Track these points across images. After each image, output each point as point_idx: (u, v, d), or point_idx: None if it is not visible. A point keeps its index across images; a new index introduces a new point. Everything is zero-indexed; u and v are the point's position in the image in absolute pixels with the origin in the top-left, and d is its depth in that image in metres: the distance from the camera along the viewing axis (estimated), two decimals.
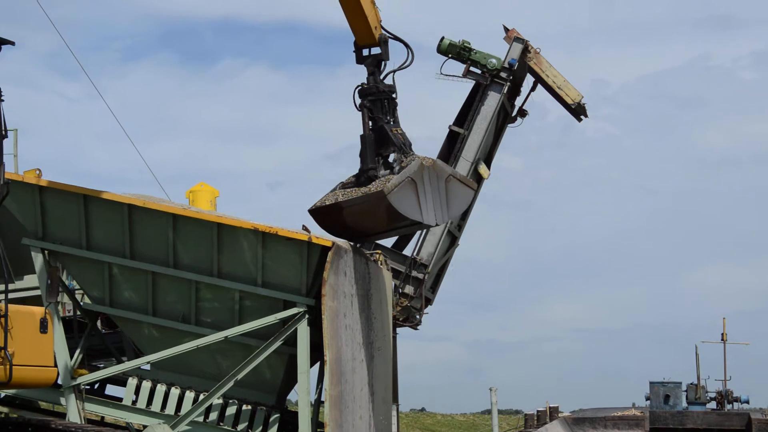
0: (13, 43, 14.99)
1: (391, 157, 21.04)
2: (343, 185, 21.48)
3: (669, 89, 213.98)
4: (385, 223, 21.06)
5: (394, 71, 21.33)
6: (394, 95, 21.30)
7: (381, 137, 21.16)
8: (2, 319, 13.22)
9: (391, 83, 21.29)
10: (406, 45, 21.37)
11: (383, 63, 21.30)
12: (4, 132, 14.71)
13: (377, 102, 21.06)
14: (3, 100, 14.57)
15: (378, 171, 20.83)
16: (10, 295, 15.02)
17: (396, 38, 21.46)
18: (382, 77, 21.28)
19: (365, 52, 21.34)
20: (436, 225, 21.91)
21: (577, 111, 27.32)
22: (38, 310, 14.09)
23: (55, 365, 15.00)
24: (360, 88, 21.16)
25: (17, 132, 24.89)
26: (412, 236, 25.55)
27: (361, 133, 21.29)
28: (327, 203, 20.95)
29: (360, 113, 21.29)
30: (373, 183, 20.70)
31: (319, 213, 21.03)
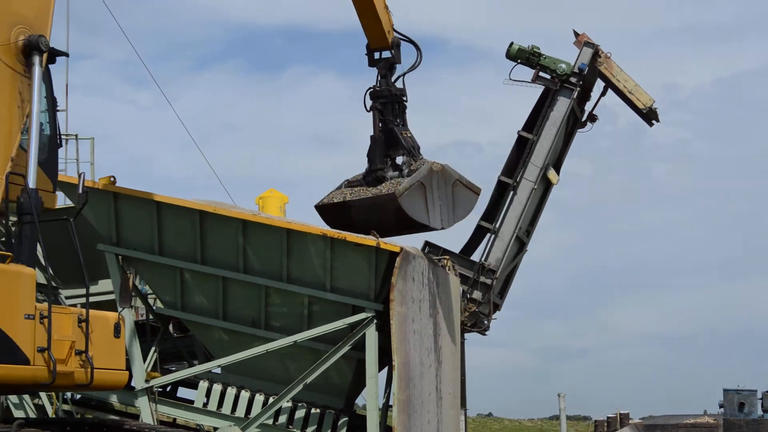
0: (67, 55, 15.33)
1: (400, 160, 21.63)
2: (349, 183, 22.08)
3: (746, 93, 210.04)
4: (393, 224, 21.28)
5: (404, 73, 21.89)
6: (404, 98, 21.78)
7: (391, 139, 21.66)
8: (83, 324, 13.60)
9: (402, 87, 21.79)
10: (417, 47, 21.88)
11: (395, 66, 21.79)
12: (60, 141, 15.08)
13: (388, 105, 21.57)
14: (59, 110, 14.94)
15: (386, 172, 21.45)
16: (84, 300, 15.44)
17: (407, 39, 21.97)
18: (393, 80, 21.83)
19: (377, 55, 21.84)
20: (442, 228, 22.22)
21: (649, 115, 27.10)
22: (112, 315, 14.45)
23: (127, 368, 15.29)
24: (371, 90, 21.69)
25: (93, 140, 25.30)
26: (480, 242, 25.56)
27: (371, 134, 21.81)
28: (335, 201, 21.50)
29: (371, 114, 21.89)
30: (384, 184, 21.33)
31: (326, 210, 21.60)
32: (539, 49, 26.36)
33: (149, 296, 23.10)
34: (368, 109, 21.92)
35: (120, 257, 21.21)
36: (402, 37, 21.96)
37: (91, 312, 14.02)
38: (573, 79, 26.13)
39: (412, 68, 21.94)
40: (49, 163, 14.56)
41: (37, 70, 13.78)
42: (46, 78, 14.83)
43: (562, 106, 25.97)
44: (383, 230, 20.91)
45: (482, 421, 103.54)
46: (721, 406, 41.24)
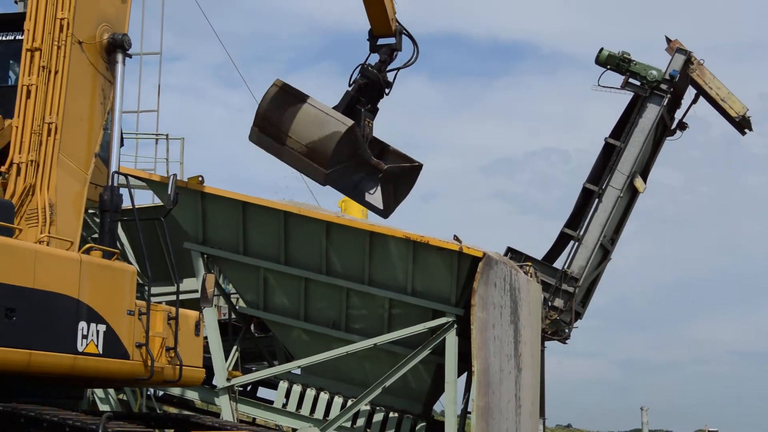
0: (130, 56, 15.82)
1: None
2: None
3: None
4: (306, 142, 20.84)
5: (399, 68, 22.15)
6: (387, 90, 22.09)
7: (352, 117, 21.56)
8: (173, 321, 14.14)
9: (390, 80, 22.08)
10: (414, 41, 22.14)
11: (395, 53, 22.07)
12: (122, 141, 15.59)
13: (369, 86, 21.79)
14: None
15: None
16: (171, 297, 15.91)
17: (407, 34, 22.24)
18: (388, 70, 22.06)
19: (380, 42, 22.09)
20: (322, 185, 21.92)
21: (741, 124, 27.00)
22: (193, 314, 14.98)
23: (203, 366, 15.63)
24: (361, 66, 21.92)
25: (183, 140, 25.77)
26: (563, 249, 25.70)
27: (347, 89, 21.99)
28: (298, 89, 21.42)
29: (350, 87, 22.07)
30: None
31: (282, 88, 21.32)
32: (630, 55, 26.42)
33: (232, 295, 23.51)
34: (350, 82, 22.12)
35: (205, 256, 21.70)
36: (404, 31, 22.19)
37: (183, 311, 14.65)
38: (663, 86, 26.14)
39: (407, 64, 22.21)
40: (110, 161, 15.06)
41: (119, 68, 14.31)
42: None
43: (651, 113, 26.03)
44: (292, 143, 21.11)
45: (561, 431, 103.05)
46: None
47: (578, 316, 25.79)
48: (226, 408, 21.26)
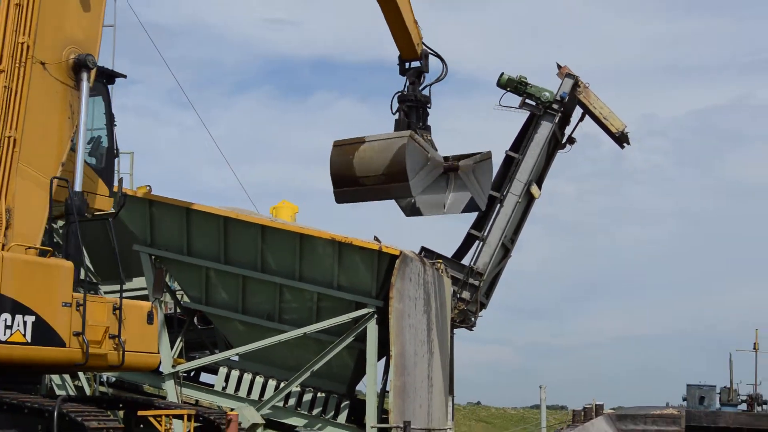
0: (125, 76, 15.52)
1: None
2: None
3: (713, 124, 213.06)
4: (382, 169, 20.30)
5: (431, 84, 21.79)
6: (428, 105, 21.70)
7: None
8: (117, 312, 13.81)
9: (427, 95, 21.70)
10: (443, 60, 21.89)
11: (423, 75, 21.77)
12: (116, 152, 15.37)
13: (413, 108, 21.45)
14: (116, 125, 15.21)
15: None
16: (127, 294, 15.63)
17: (434, 54, 21.93)
18: (421, 88, 21.70)
19: (407, 65, 21.81)
20: (413, 197, 21.50)
21: (621, 139, 27.20)
22: (146, 304, 14.61)
23: (159, 352, 15.34)
24: (399, 94, 21.61)
25: (133, 154, 25.48)
26: (469, 248, 25.74)
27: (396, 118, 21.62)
28: (352, 138, 20.98)
29: (396, 117, 21.66)
30: None
31: (340, 145, 20.96)
32: (526, 78, 26.46)
33: (177, 292, 23.30)
34: (394, 111, 21.78)
35: (153, 257, 21.49)
36: (430, 51, 21.94)
37: (126, 301, 14.22)
38: (555, 106, 26.25)
39: (438, 80, 21.93)
40: (106, 171, 14.88)
41: (84, 85, 14.01)
42: (105, 96, 15.12)
43: (544, 129, 26.11)
44: (371, 174, 20.47)
45: (471, 408, 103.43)
46: (684, 399, 41.58)
47: (483, 306, 25.84)
48: (171, 391, 21.16)
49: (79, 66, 13.96)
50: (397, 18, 20.73)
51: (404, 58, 21.77)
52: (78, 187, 13.94)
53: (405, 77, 21.98)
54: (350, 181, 20.82)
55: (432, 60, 22.23)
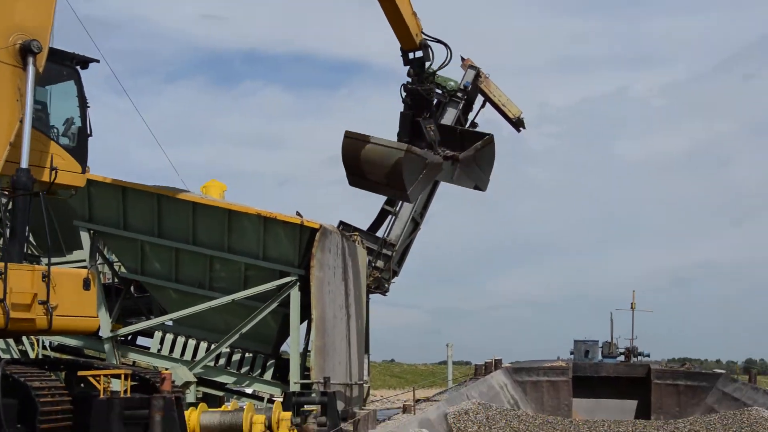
0: (98, 61, 14.83)
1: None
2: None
3: (599, 112, 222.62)
4: (383, 175, 19.84)
5: (436, 70, 20.63)
6: (431, 94, 20.66)
7: (415, 131, 20.73)
8: (47, 279, 13.17)
9: (431, 85, 20.61)
10: (447, 46, 20.64)
11: (425, 64, 20.53)
12: (90, 132, 14.74)
13: (416, 99, 20.46)
14: (89, 107, 14.62)
15: None
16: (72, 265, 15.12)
17: (437, 41, 20.65)
18: (425, 76, 20.62)
19: (411, 56, 20.57)
20: (411, 203, 21.28)
21: (517, 123, 27.31)
22: (81, 272, 13.87)
23: (98, 316, 14.79)
24: (404, 85, 20.57)
25: None
26: (383, 222, 25.65)
27: (401, 111, 20.86)
28: (361, 133, 20.15)
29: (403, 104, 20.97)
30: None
31: (350, 137, 20.24)
32: (434, 69, 26.43)
33: (115, 263, 22.95)
34: (403, 99, 20.93)
35: (92, 231, 21.11)
36: (432, 39, 20.64)
37: (61, 269, 13.56)
38: (459, 94, 26.20)
39: (442, 66, 20.79)
40: (78, 149, 14.14)
41: (30, 69, 13.47)
42: (77, 80, 14.46)
43: (450, 115, 26.01)
44: (373, 177, 20.02)
45: (386, 365, 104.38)
46: (571, 353, 42.07)
47: (395, 274, 25.88)
48: (110, 354, 20.88)
49: (25, 51, 13.40)
50: (394, 10, 19.54)
51: (404, 48, 20.55)
52: (24, 165, 13.39)
53: (409, 67, 20.90)
54: (359, 172, 20.30)
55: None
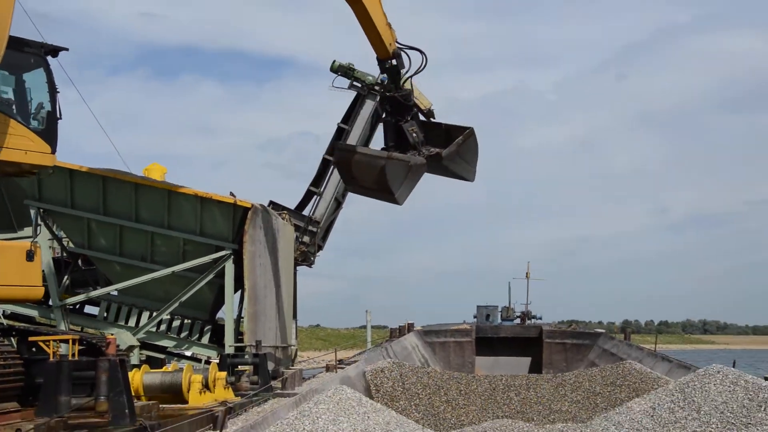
0: (67, 49, 14.27)
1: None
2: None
3: (499, 105, 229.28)
4: (373, 181, 19.05)
5: (411, 76, 19.34)
6: (409, 99, 19.54)
7: (399, 135, 19.75)
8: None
9: (409, 88, 19.44)
10: (422, 53, 19.22)
11: (400, 71, 19.19)
12: (59, 116, 14.26)
13: (394, 105, 19.46)
14: (58, 92, 14.11)
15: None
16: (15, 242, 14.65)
17: (413, 48, 19.22)
18: (403, 82, 19.36)
19: (387, 64, 19.22)
20: (400, 205, 19.89)
21: (427, 115, 27.24)
22: (24, 244, 13.23)
23: (43, 285, 14.24)
24: (383, 93, 19.53)
25: None
26: (309, 202, 25.53)
27: (383, 118, 20.01)
28: (349, 144, 19.75)
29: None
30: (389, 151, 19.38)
31: (340, 149, 19.77)
32: (353, 65, 26.26)
33: (63, 239, 22.51)
34: (383, 108, 19.81)
35: (41, 210, 20.70)
36: (407, 47, 19.06)
37: (4, 242, 13.05)
38: (376, 88, 26.07)
39: (418, 71, 19.18)
40: (48, 132, 13.57)
41: None
42: (46, 68, 13.81)
43: (368, 106, 25.94)
44: (364, 184, 19.39)
45: (312, 330, 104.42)
46: (474, 317, 42.53)
47: (320, 248, 25.83)
48: (60, 321, 20.49)
49: None
50: (367, 21, 18.21)
51: (379, 57, 19.09)
52: None
53: (384, 74, 19.79)
54: (353, 180, 19.64)
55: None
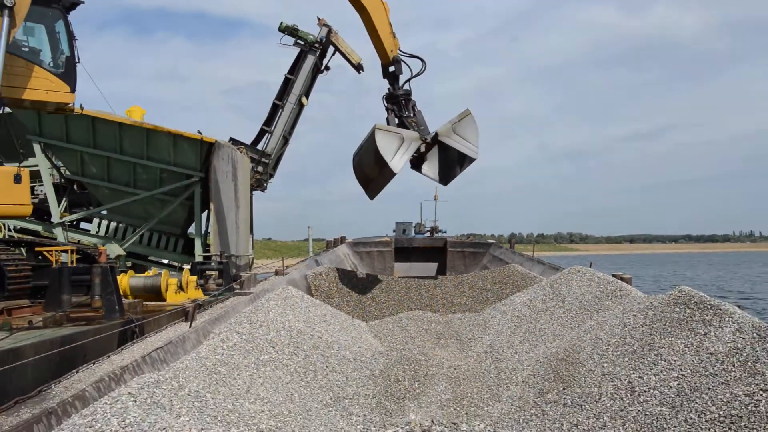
0: (83, 2, 13.69)
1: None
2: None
3: (411, 61, 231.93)
4: (374, 163, 16.63)
5: (409, 79, 17.81)
6: (409, 96, 17.87)
7: (405, 125, 17.90)
8: None
9: (408, 89, 17.84)
10: (422, 60, 17.88)
11: (398, 76, 17.74)
12: (78, 60, 13.74)
13: (395, 104, 17.88)
14: (76, 40, 13.59)
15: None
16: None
17: (413, 56, 17.90)
18: (401, 84, 17.77)
19: (390, 69, 17.81)
20: (396, 173, 16.65)
21: (358, 68, 27.24)
22: (12, 168, 12.53)
23: (45, 205, 13.66)
24: (385, 94, 17.87)
25: None
26: (262, 138, 25.36)
27: (386, 118, 17.86)
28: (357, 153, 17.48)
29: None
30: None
31: (354, 167, 17.67)
32: (297, 26, 26.01)
33: (61, 168, 22.14)
34: (386, 108, 17.89)
35: (42, 144, 20.32)
36: (408, 55, 17.70)
37: None
38: (316, 45, 25.95)
39: (417, 75, 17.74)
40: (67, 74, 13.09)
41: (5, 21, 12.39)
42: (65, 19, 13.29)
43: (309, 61, 25.79)
44: (373, 174, 17.00)
45: (265, 242, 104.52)
46: (393, 231, 43.01)
47: (271, 176, 25.73)
48: (60, 235, 20.36)
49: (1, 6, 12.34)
50: (371, 28, 17.24)
51: (382, 63, 17.78)
52: None
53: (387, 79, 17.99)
54: (368, 181, 17.50)
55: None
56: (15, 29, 12.04)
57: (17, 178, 12.18)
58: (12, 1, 12.29)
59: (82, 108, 15.01)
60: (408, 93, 17.80)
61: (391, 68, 17.72)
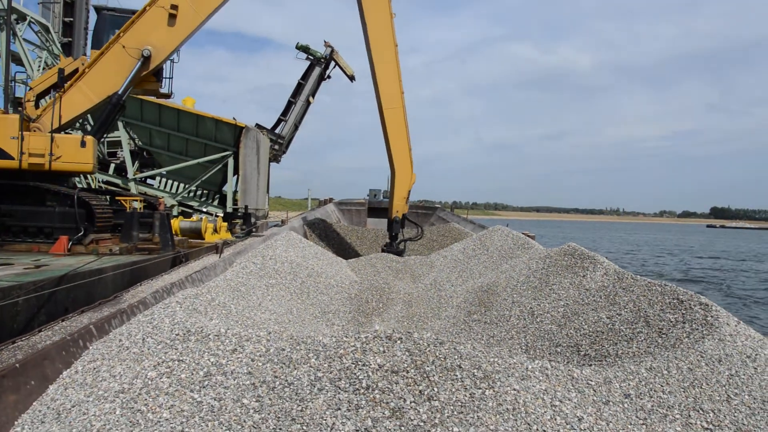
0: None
1: None
2: None
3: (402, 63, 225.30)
4: None
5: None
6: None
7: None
8: (51, 142, 11.36)
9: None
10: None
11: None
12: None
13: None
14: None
15: None
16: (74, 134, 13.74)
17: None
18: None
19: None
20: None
21: (351, 78, 27.00)
22: (78, 136, 11.61)
23: (92, 163, 12.66)
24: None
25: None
26: (279, 125, 24.99)
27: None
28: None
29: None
30: None
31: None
32: (309, 45, 25.57)
33: (136, 139, 21.72)
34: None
35: (123, 121, 19.94)
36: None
37: (66, 135, 11.55)
38: (322, 60, 25.55)
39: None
40: (157, 75, 12.20)
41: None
42: None
43: (316, 71, 25.34)
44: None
45: (277, 199, 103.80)
46: (367, 195, 42.94)
47: (284, 152, 25.46)
48: (133, 188, 19.96)
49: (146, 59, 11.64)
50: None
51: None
52: (120, 90, 11.67)
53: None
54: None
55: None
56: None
57: (83, 143, 11.65)
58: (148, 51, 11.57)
59: (172, 94, 14.40)
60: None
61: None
